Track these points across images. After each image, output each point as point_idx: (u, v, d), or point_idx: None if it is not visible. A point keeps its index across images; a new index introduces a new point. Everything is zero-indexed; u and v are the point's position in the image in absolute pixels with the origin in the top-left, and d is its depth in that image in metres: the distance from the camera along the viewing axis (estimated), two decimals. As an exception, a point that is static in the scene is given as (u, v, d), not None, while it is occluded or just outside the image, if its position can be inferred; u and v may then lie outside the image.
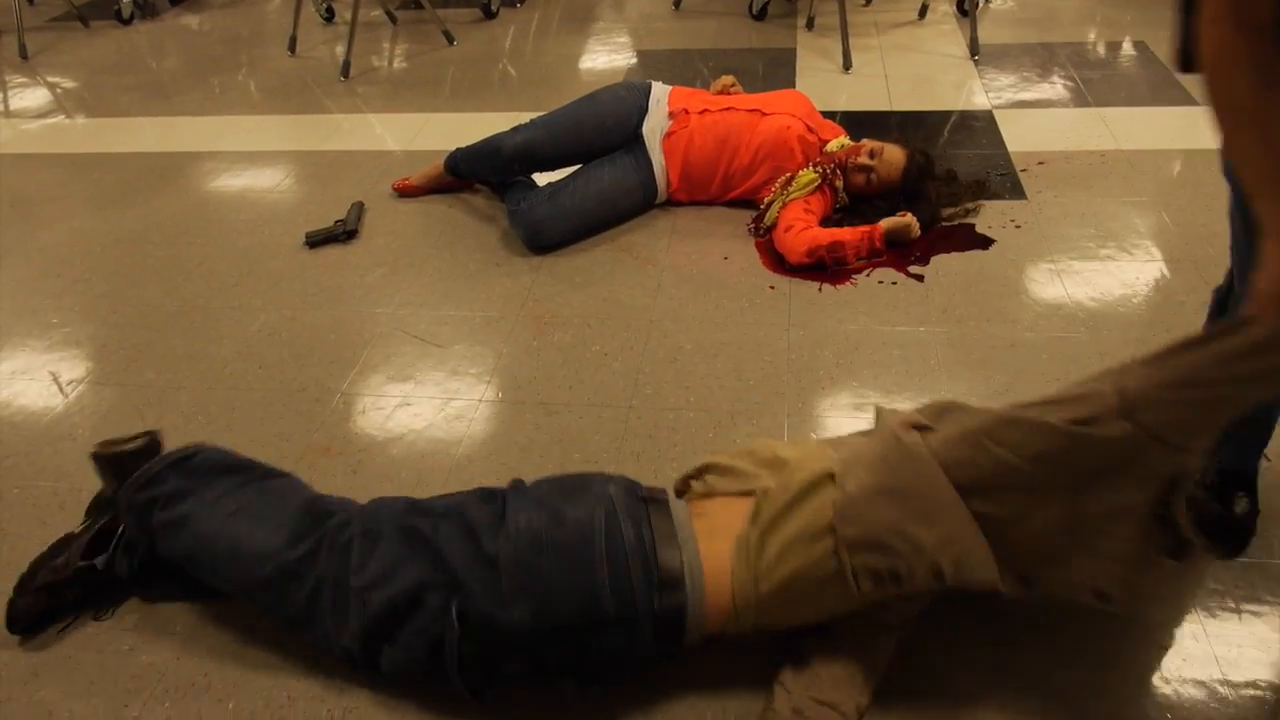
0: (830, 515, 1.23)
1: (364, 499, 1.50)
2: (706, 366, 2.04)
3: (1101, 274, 2.27)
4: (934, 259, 2.38)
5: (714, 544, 1.30)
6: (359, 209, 2.70)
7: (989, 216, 2.54)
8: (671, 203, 2.66)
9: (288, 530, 1.37)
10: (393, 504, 1.40)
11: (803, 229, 2.36)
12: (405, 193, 2.80)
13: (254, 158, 3.14)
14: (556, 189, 2.49)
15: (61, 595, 1.50)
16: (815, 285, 2.30)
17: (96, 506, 1.65)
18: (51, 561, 1.53)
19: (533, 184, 2.60)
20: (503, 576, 1.24)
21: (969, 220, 2.53)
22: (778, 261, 2.40)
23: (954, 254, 2.40)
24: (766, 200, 2.50)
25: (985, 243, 2.43)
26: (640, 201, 2.58)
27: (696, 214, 2.63)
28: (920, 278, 2.31)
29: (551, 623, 1.23)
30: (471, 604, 1.23)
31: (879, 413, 1.46)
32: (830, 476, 1.28)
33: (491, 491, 1.38)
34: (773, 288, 2.31)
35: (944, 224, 2.51)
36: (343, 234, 2.59)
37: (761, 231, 2.50)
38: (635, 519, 1.29)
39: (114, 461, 1.52)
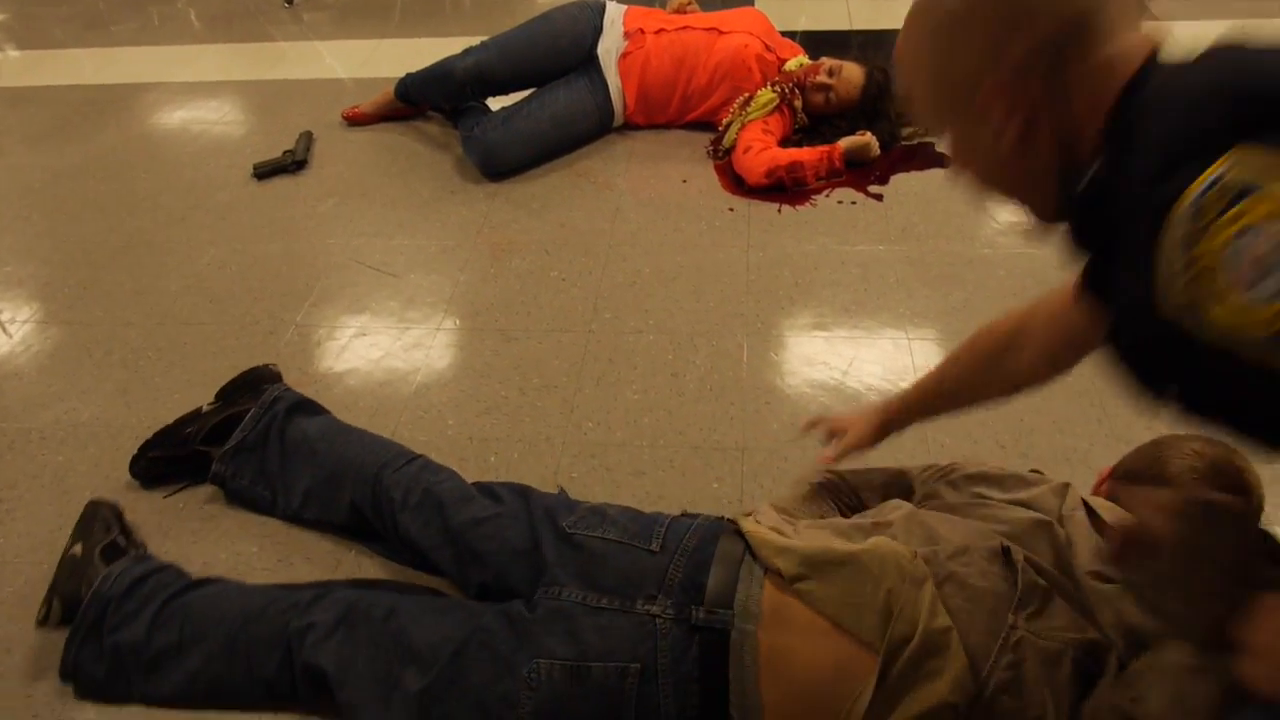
0: None
1: (318, 440, 1.50)
2: (665, 289, 2.03)
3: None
4: (893, 178, 2.36)
5: (787, 703, 1.06)
6: (308, 139, 2.62)
7: (948, 134, 2.52)
8: (629, 126, 2.61)
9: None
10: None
11: (761, 150, 2.33)
12: (355, 121, 2.72)
13: (196, 89, 3.03)
14: (510, 113, 2.43)
15: (175, 466, 1.62)
16: (774, 206, 2.28)
17: (229, 390, 1.68)
18: (176, 434, 1.62)
19: (486, 109, 2.54)
20: None
21: (928, 139, 2.51)
22: (737, 183, 2.37)
23: (913, 173, 2.38)
24: (725, 121, 2.47)
25: (944, 161, 2.42)
26: (596, 125, 2.53)
27: (654, 137, 2.59)
28: (880, 197, 2.29)
29: None
30: None
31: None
32: (953, 708, 1.01)
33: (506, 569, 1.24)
34: (732, 210, 2.28)
35: (904, 143, 2.49)
36: (292, 164, 2.52)
37: (720, 153, 2.47)
38: (680, 678, 1.07)
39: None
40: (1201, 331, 0.68)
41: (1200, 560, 0.80)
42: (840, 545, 1.12)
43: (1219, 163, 0.64)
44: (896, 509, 1.20)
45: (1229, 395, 0.76)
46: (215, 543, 1.52)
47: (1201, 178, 0.65)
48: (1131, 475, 1.21)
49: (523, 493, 1.34)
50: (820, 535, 1.16)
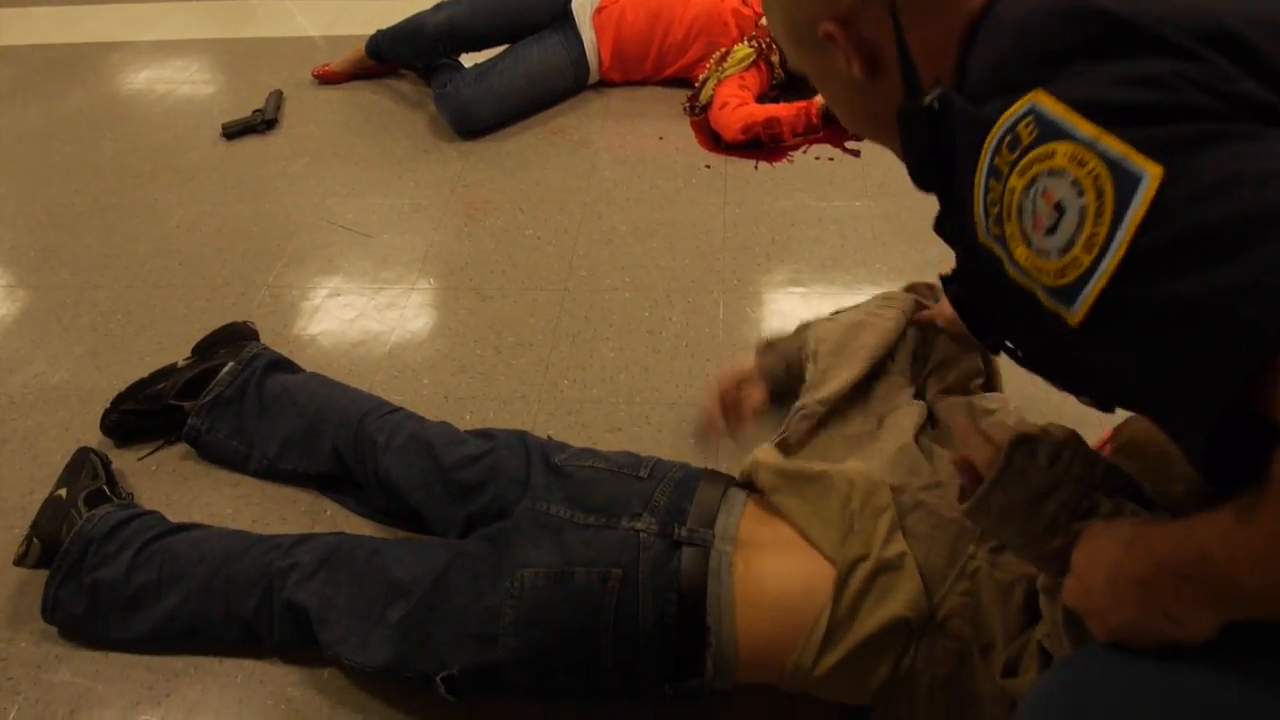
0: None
1: (298, 391, 1.49)
2: (642, 247, 2.01)
3: (1036, 144, 2.26)
4: (871, 134, 2.35)
5: (758, 618, 1.10)
6: (278, 98, 2.58)
7: (926, 90, 2.50)
8: (604, 83, 2.58)
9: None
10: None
11: (738, 105, 2.31)
12: (326, 80, 2.68)
13: (163, 48, 2.96)
14: (484, 70, 2.39)
15: (148, 421, 1.59)
16: (751, 163, 2.27)
17: (205, 346, 1.67)
18: (149, 388, 1.60)
19: (459, 66, 2.50)
20: (500, 639, 1.12)
21: (906, 94, 2.49)
22: (713, 140, 2.35)
23: (891, 128, 2.36)
24: (701, 78, 2.44)
25: (922, 116, 2.40)
26: (571, 82, 2.50)
27: (630, 94, 2.56)
28: (857, 153, 2.28)
29: (552, 684, 1.14)
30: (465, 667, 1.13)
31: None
32: (906, 622, 1.06)
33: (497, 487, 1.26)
34: (708, 167, 2.26)
35: (881, 98, 2.47)
36: (261, 124, 2.47)
37: (697, 110, 2.44)
38: (659, 586, 1.10)
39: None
40: (1007, 269, 0.67)
41: (1021, 492, 0.81)
42: (815, 465, 1.19)
43: (1032, 95, 0.62)
44: (905, 416, 1.29)
45: (1041, 345, 0.76)
46: (189, 504, 1.51)
47: (1017, 105, 0.63)
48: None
49: (518, 432, 1.35)
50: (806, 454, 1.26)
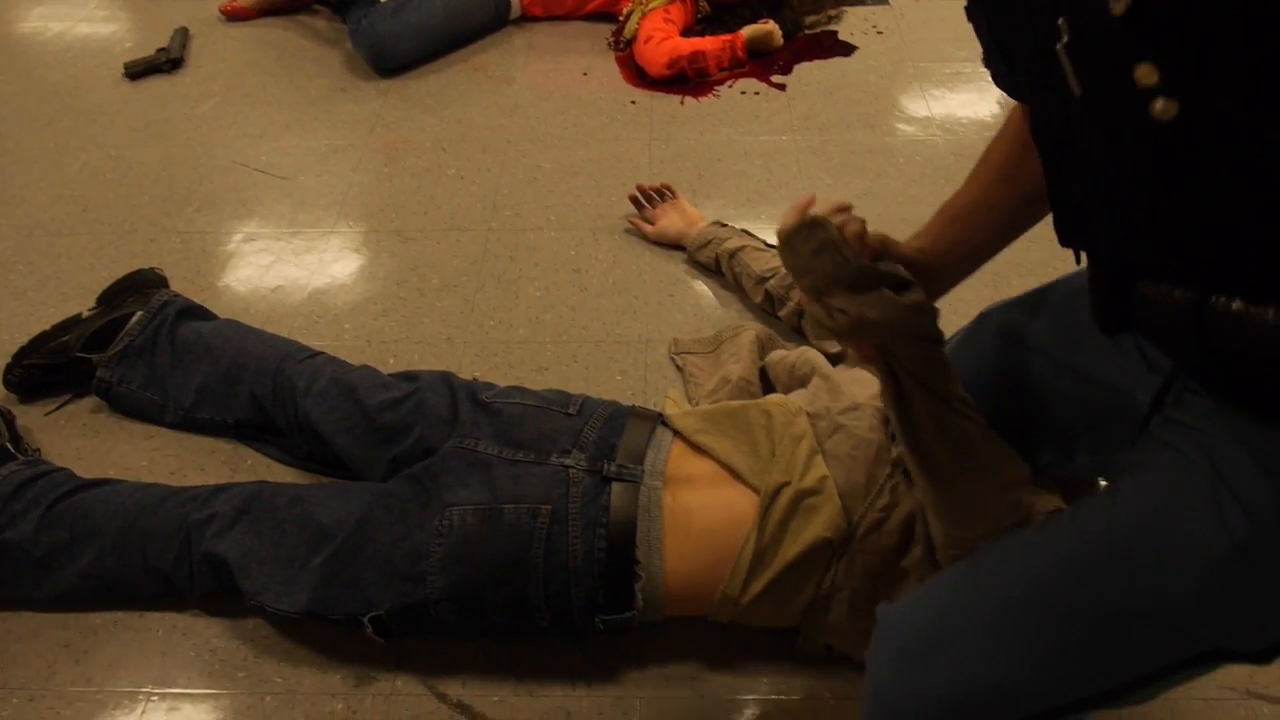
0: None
1: (213, 337, 1.45)
2: (567, 185, 1.98)
3: (960, 79, 2.27)
4: (796, 68, 2.33)
5: (686, 549, 1.12)
6: (183, 35, 2.46)
7: (851, 23, 2.49)
8: (526, 18, 2.51)
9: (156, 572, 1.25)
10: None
11: (663, 39, 2.27)
12: (235, 16, 2.56)
13: (57, -17, 2.80)
14: (400, 4, 2.30)
15: (53, 375, 1.52)
16: (677, 98, 2.24)
17: (110, 295, 1.59)
18: (53, 340, 1.53)
19: (374, 0, 2.40)
20: (427, 577, 1.11)
21: (831, 27, 2.47)
22: (638, 75, 2.31)
23: (816, 62, 2.35)
24: (625, 11, 2.39)
25: (847, 50, 2.39)
26: (492, 16, 2.43)
27: (553, 29, 2.50)
28: (783, 87, 2.26)
29: (482, 622, 1.14)
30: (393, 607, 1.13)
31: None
32: (829, 543, 1.10)
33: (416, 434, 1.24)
34: (634, 102, 2.23)
35: (806, 32, 2.45)
36: (166, 63, 2.36)
37: (621, 45, 2.40)
38: (589, 521, 1.11)
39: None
40: None
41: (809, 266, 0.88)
42: (733, 401, 1.24)
43: None
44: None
45: None
46: (102, 459, 1.46)
47: None
48: None
49: (442, 373, 1.33)
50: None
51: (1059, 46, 0.60)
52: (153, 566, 1.24)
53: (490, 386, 1.30)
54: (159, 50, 2.39)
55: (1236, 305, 0.57)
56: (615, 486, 1.13)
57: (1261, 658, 0.70)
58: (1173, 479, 0.72)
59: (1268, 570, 0.66)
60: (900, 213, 1.81)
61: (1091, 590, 0.72)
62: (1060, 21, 0.59)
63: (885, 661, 0.80)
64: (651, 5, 2.34)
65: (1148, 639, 0.70)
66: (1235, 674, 1.18)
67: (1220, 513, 0.67)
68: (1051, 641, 0.72)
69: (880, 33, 2.44)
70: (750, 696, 1.18)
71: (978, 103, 2.18)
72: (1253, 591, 0.67)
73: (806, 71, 2.31)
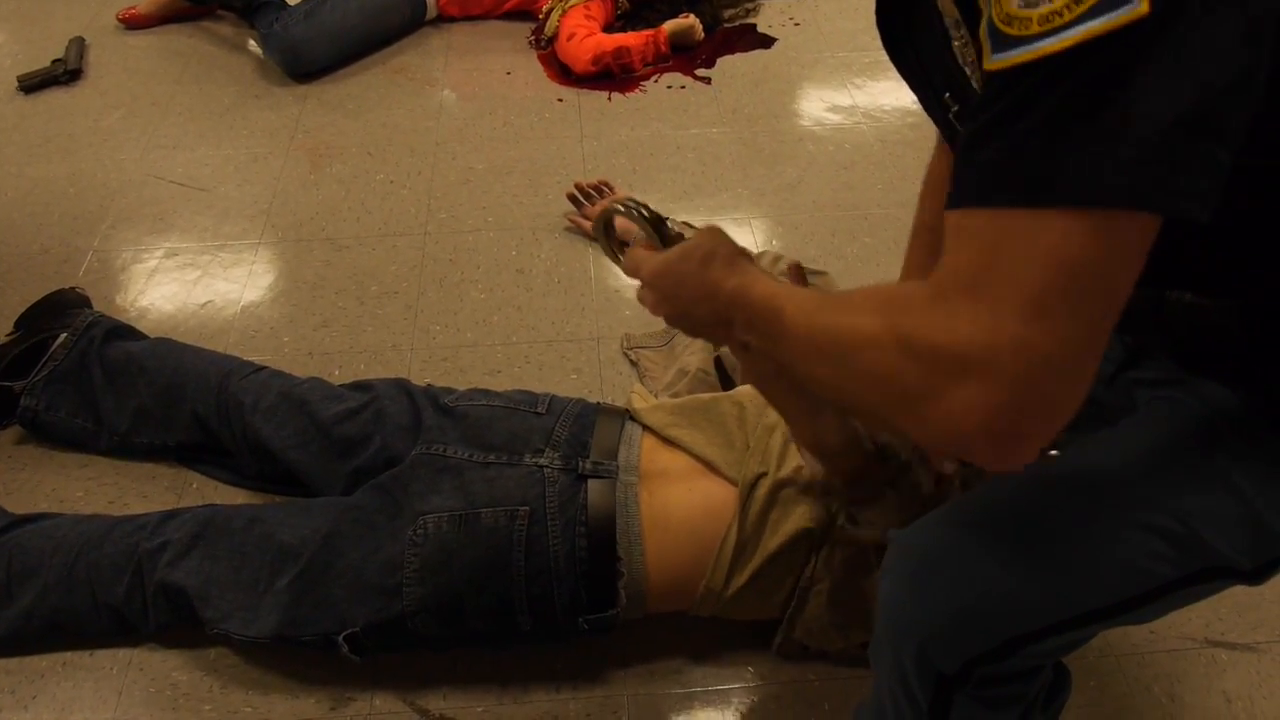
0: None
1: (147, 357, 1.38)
2: (501, 185, 1.95)
3: (880, 68, 2.31)
4: (720, 61, 2.35)
5: (667, 544, 1.11)
6: (79, 45, 2.33)
7: (769, 15, 2.52)
8: (443, 18, 2.47)
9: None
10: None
11: (585, 36, 2.26)
12: (134, 24, 2.44)
13: (-67, -6, 2.63)
14: (313, 6, 2.23)
15: None
16: (604, 95, 2.23)
17: (29, 319, 1.49)
18: None
19: (283, 2, 2.32)
20: (404, 589, 1.08)
21: (750, 20, 2.50)
22: (563, 73, 2.29)
23: (739, 55, 2.37)
24: (545, 9, 2.37)
25: (768, 42, 2.42)
26: (409, 16, 2.38)
27: (472, 29, 2.46)
28: (708, 80, 2.28)
29: (462, 630, 1.11)
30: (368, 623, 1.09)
31: None
32: (809, 533, 1.10)
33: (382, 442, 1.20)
34: (561, 100, 2.21)
35: (726, 25, 2.47)
36: (64, 75, 2.24)
37: (543, 43, 2.38)
38: (568, 520, 1.09)
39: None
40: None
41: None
42: (702, 395, 1.23)
43: None
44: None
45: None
46: (32, 492, 1.38)
47: None
48: None
49: (397, 380, 1.30)
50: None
51: (950, 116, 0.73)
52: (102, 602, 1.17)
53: (450, 391, 1.27)
54: (55, 61, 2.27)
55: (1189, 298, 0.70)
56: (592, 484, 1.12)
57: (1255, 576, 0.76)
58: (1170, 411, 0.80)
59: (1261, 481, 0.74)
60: (834, 199, 1.84)
61: (1102, 507, 0.77)
62: (946, 95, 0.72)
63: (900, 577, 0.81)
64: (571, 3, 2.33)
65: (1155, 553, 0.75)
66: (1194, 623, 1.23)
67: (1213, 432, 0.76)
68: (1064, 554, 0.76)
69: (798, 24, 2.48)
70: (737, 685, 1.18)
71: (899, 90, 2.22)
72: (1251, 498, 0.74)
73: (730, 64, 2.33)
